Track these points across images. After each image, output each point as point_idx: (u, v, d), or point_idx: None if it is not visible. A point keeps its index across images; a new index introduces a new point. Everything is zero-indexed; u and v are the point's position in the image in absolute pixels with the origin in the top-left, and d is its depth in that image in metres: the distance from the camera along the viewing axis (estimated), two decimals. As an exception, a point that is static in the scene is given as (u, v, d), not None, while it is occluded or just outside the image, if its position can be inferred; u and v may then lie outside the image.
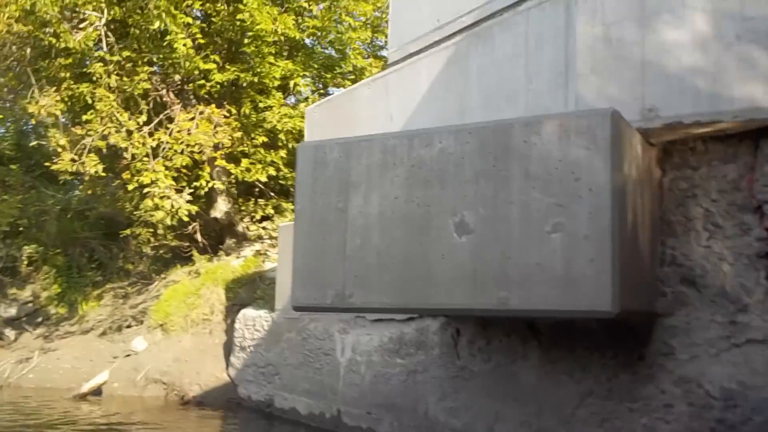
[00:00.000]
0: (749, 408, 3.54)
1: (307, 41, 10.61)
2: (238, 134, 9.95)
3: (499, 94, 5.00)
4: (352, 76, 10.96)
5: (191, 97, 10.36)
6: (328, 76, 11.14)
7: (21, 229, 13.48)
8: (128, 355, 10.06)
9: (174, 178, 9.91)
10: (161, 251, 12.26)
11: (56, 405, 8.60)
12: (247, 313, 8.61)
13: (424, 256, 3.72)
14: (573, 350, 4.41)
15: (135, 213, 10.29)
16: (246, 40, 9.50)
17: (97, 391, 9.39)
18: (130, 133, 9.43)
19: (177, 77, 10.18)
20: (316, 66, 10.83)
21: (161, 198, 9.32)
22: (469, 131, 3.68)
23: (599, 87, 3.96)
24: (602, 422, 4.17)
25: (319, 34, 10.47)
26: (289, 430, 7.02)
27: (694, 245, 3.89)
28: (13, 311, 12.72)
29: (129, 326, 11.11)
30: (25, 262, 13.54)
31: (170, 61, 9.68)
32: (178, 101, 10.16)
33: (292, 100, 11.57)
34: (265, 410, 7.74)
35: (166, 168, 9.73)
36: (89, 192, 11.23)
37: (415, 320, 5.80)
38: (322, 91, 11.33)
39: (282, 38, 9.59)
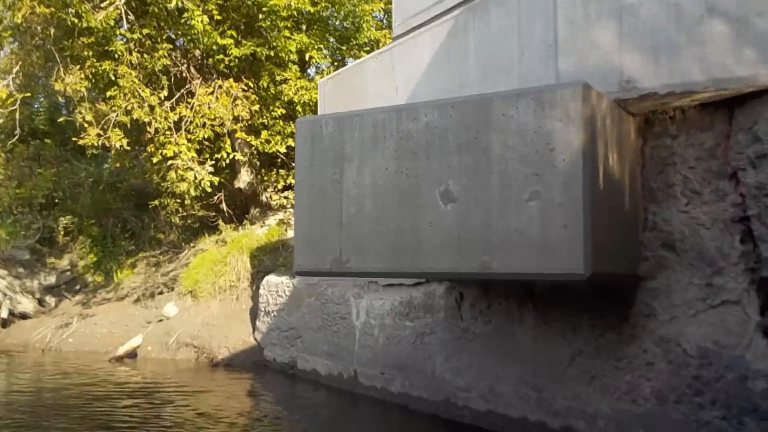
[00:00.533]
0: (723, 366, 3.72)
1: (323, 14, 10.70)
2: (256, 107, 10.17)
3: (495, 67, 5.11)
4: (368, 48, 11.07)
5: (211, 71, 10.59)
6: (344, 48, 11.26)
7: (56, 201, 14.00)
8: (161, 320, 10.49)
9: (197, 151, 10.20)
10: (189, 221, 12.66)
11: (95, 367, 9.06)
12: (271, 279, 8.93)
13: (413, 223, 3.93)
14: (565, 312, 4.61)
15: (162, 184, 10.62)
16: (261, 15, 9.64)
17: (132, 354, 9.84)
18: (152, 107, 9.72)
19: (197, 52, 10.39)
20: (332, 38, 10.96)
21: (184, 170, 9.63)
22: (452, 105, 3.86)
23: (580, 60, 4.08)
24: (591, 380, 4.38)
25: (332, 7, 10.56)
26: (310, 389, 7.34)
27: (673, 211, 4.03)
28: (52, 279, 13.25)
29: (161, 293, 11.53)
30: (62, 233, 14.08)
31: (189, 37, 9.89)
32: (199, 76, 10.40)
33: (312, 72, 11.75)
34: (289, 371, 8.09)
35: (189, 141, 10.01)
36: (117, 165, 11.61)
37: (423, 285, 6.03)
38: (339, 63, 11.45)
39: (296, 12, 9.72)
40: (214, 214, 11.97)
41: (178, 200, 11.22)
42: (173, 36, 10.30)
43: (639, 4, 3.84)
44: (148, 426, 5.67)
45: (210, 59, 10.53)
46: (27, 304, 12.43)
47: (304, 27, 10.81)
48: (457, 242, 3.78)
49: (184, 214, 12.11)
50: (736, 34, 3.62)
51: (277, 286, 8.70)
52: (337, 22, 11.18)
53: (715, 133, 3.91)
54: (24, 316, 12.31)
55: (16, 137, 11.15)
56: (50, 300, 12.84)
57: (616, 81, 3.95)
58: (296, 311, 8.17)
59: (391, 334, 6.35)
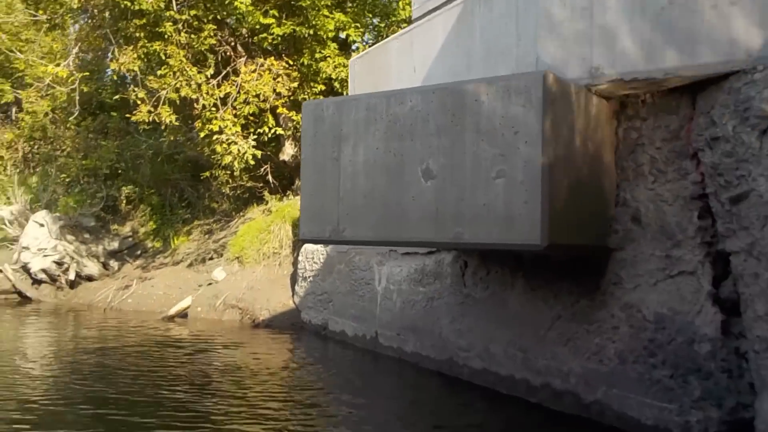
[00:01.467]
0: (675, 330, 4.07)
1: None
2: (295, 84, 10.70)
3: (496, 51, 5.46)
4: (405, 24, 11.41)
5: (255, 50, 11.13)
6: (382, 25, 11.64)
7: (119, 171, 14.95)
8: (210, 284, 11.24)
9: (242, 126, 10.82)
10: (239, 191, 13.37)
11: (149, 325, 9.89)
12: (308, 246, 9.49)
13: (399, 197, 4.40)
14: (548, 280, 5.01)
15: (212, 157, 11.32)
16: (301, -6, 10.14)
17: (183, 314, 10.64)
18: (199, 85, 10.36)
19: (244, 31, 10.95)
20: (371, 16, 11.35)
21: (228, 143, 10.27)
22: (432, 91, 4.28)
23: (555, 48, 4.42)
24: (567, 342, 4.78)
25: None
26: (339, 348, 7.94)
27: (641, 188, 4.37)
28: (115, 245, 14.21)
29: (211, 258, 12.30)
30: (124, 202, 15.05)
31: (234, 17, 10.45)
32: (244, 54, 10.97)
33: (356, 48, 12.18)
34: (321, 332, 8.70)
35: (235, 116, 10.64)
36: (171, 138, 12.37)
37: (435, 253, 6.49)
38: (381, 39, 11.84)
39: (334, -9, 10.18)
40: (261, 185, 12.63)
41: (228, 172, 11.91)
42: (219, 17, 10.85)
43: (607, 2, 4.15)
44: (194, 373, 6.44)
45: (255, 38, 11.06)
46: (92, 267, 13.38)
47: (345, 4, 11.24)
48: (435, 215, 4.22)
49: (234, 184, 12.81)
50: (691, 25, 3.91)
51: (313, 253, 9.27)
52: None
53: (680, 116, 4.21)
54: (90, 278, 13.27)
55: (76, 114, 11.97)
56: (113, 264, 13.78)
57: (587, 68, 4.28)
58: (329, 277, 8.74)
59: (407, 299, 6.85)
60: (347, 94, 9.23)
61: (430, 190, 4.25)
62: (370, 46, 10.20)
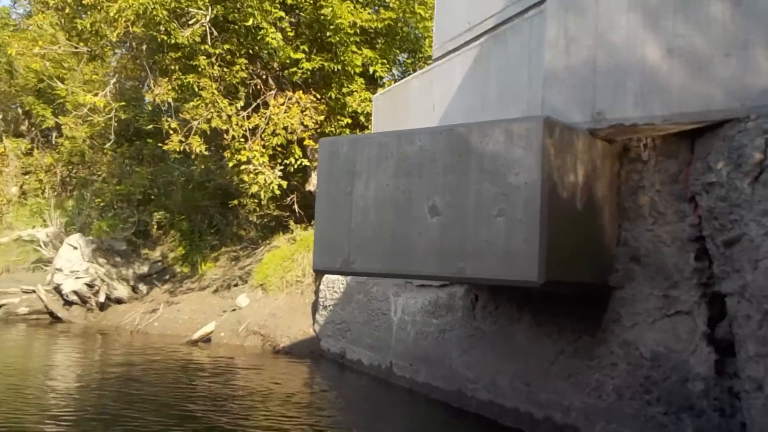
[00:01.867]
0: (669, 367, 4.18)
1: (390, 28, 11.41)
2: (321, 117, 11.04)
3: (510, 92, 5.68)
4: (431, 61, 11.68)
5: (287, 83, 11.51)
6: (409, 61, 11.96)
7: (152, 197, 15.38)
8: (234, 310, 11.50)
9: (270, 156, 11.16)
10: (266, 220, 13.69)
11: (172, 348, 10.16)
12: (329, 276, 9.70)
13: (406, 232, 4.59)
14: (554, 315, 5.14)
15: (240, 186, 11.67)
16: (328, 33, 10.48)
17: (206, 339, 10.89)
18: (229, 117, 10.74)
19: (275, 65, 11.35)
20: (398, 51, 11.68)
21: (255, 173, 10.61)
22: (440, 132, 4.49)
23: (560, 93, 4.61)
24: (569, 376, 4.90)
25: (396, 23, 11.26)
26: (355, 377, 8.11)
27: (642, 229, 4.50)
28: (145, 269, 14.59)
29: (236, 285, 12.58)
30: (155, 227, 15.47)
31: (266, 51, 10.87)
32: (274, 88, 11.36)
33: (385, 82, 12.51)
34: (339, 361, 8.86)
35: (264, 147, 10.98)
36: (201, 167, 12.77)
37: (448, 286, 6.64)
38: (406, 75, 12.16)
39: (359, 30, 10.51)
40: (287, 214, 12.93)
41: (255, 200, 12.23)
42: (251, 51, 11.26)
43: (611, 46, 4.34)
44: (216, 396, 6.69)
45: (285, 72, 11.45)
46: (122, 291, 13.76)
47: (373, 41, 11.58)
48: (440, 250, 4.40)
49: (261, 213, 13.14)
50: (692, 75, 4.08)
51: (334, 282, 9.47)
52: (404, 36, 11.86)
53: (679, 160, 4.36)
54: (119, 301, 13.65)
55: (112, 140, 12.44)
56: (142, 287, 14.14)
57: (590, 112, 4.45)
58: (348, 306, 8.93)
59: (420, 330, 7.00)
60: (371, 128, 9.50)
61: (435, 225, 4.44)
62: (396, 82, 10.50)
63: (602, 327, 4.68)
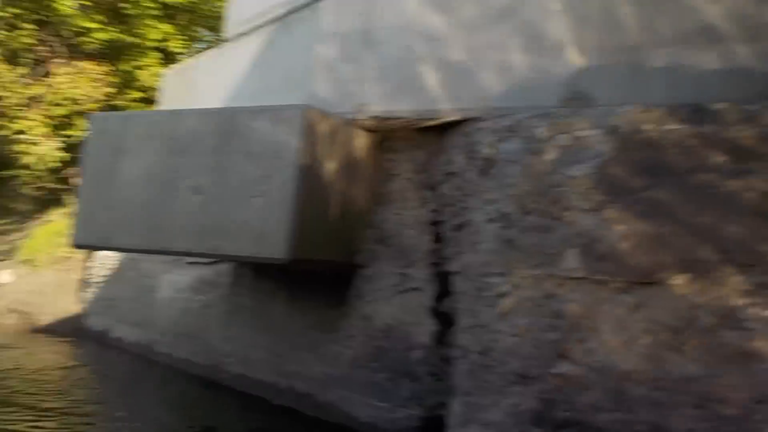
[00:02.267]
0: (397, 338, 4.67)
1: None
2: (112, 89, 10.67)
3: (293, 80, 5.93)
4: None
5: (77, 52, 10.97)
6: (212, 40, 11.86)
7: None
8: (-6, 286, 10.71)
9: (55, 127, 10.57)
10: (41, 193, 12.86)
11: None
12: (102, 253, 9.39)
13: (170, 210, 4.74)
14: (308, 292, 5.48)
15: (14, 156, 10.92)
16: (128, 4, 10.18)
17: (-41, 319, 10.02)
18: (9, 83, 10.04)
19: (65, 33, 10.77)
20: (198, 30, 11.55)
21: (30, 144, 10.00)
22: (208, 114, 4.71)
23: (330, 85, 4.98)
24: (314, 348, 5.26)
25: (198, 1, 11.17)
26: (116, 354, 7.94)
27: (390, 213, 4.99)
28: None
29: (2, 260, 11.71)
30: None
31: (57, 18, 10.30)
32: (60, 55, 10.78)
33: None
34: (103, 339, 8.61)
35: (47, 117, 10.39)
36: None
37: (215, 264, 6.76)
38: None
39: (162, 4, 10.31)
40: (66, 187, 12.26)
41: (30, 172, 11.49)
42: (44, 17, 10.62)
43: (375, 48, 4.76)
44: None
45: (77, 40, 10.91)
46: None
47: (175, 16, 11.34)
48: (200, 228, 4.60)
49: (37, 186, 12.34)
50: (442, 78, 4.59)
51: (106, 259, 9.19)
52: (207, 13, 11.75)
53: (426, 151, 4.88)
54: None
55: None
56: None
57: (353, 104, 4.84)
58: (118, 283, 8.72)
59: (184, 307, 7.06)
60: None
61: (197, 204, 4.60)
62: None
63: (346, 302, 5.08)
